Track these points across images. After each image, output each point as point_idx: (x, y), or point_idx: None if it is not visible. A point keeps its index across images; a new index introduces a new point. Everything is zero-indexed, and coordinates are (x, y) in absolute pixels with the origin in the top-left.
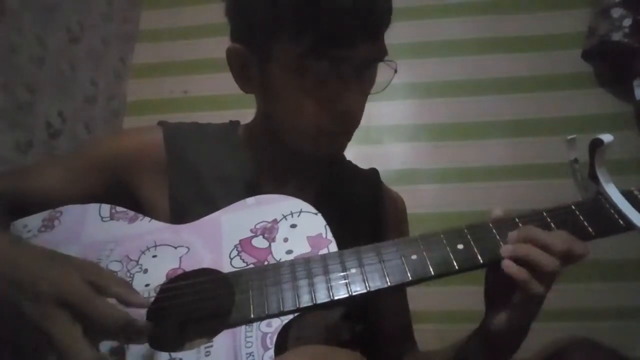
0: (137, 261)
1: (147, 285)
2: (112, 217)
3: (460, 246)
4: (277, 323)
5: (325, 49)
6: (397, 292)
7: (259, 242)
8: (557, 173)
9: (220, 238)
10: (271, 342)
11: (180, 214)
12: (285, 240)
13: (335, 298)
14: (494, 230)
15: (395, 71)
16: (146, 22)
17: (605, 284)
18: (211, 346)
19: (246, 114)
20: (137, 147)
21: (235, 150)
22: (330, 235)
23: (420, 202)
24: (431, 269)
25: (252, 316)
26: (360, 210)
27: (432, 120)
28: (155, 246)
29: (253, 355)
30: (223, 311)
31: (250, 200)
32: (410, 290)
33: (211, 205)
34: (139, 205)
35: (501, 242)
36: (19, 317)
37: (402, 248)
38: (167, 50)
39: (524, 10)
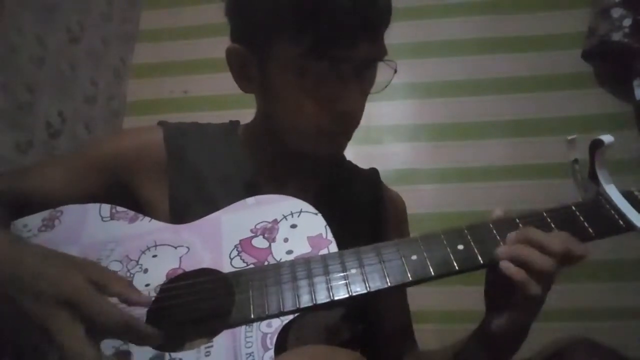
0: (137, 261)
1: (147, 285)
2: (112, 217)
3: (460, 247)
4: (277, 323)
5: (325, 49)
6: (397, 293)
7: (259, 242)
8: (557, 173)
9: (221, 238)
10: (271, 342)
11: (180, 213)
12: (286, 240)
13: (336, 298)
14: (495, 231)
15: (395, 71)
16: (146, 22)
17: (605, 284)
18: (211, 346)
19: (246, 114)
20: (137, 147)
21: (235, 150)
22: (330, 236)
23: (420, 202)
24: (431, 270)
25: (252, 316)
26: (360, 210)
27: (432, 120)
28: (156, 246)
29: (253, 356)
30: (223, 311)
31: (251, 200)
32: (410, 290)
33: (211, 205)
34: (139, 205)
35: (501, 243)
36: (19, 317)
37: (402, 248)
38: (167, 50)
39: (524, 10)
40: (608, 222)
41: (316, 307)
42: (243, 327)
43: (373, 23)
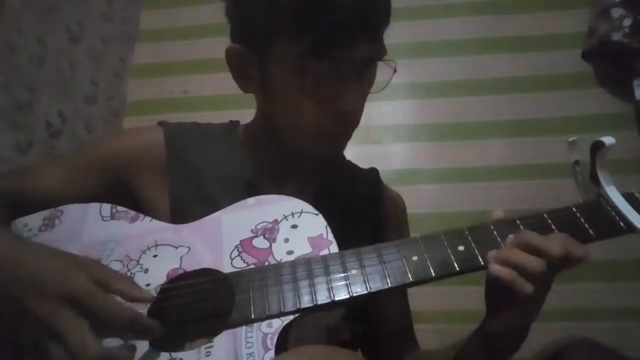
0: (138, 261)
1: (147, 285)
2: (112, 217)
3: (461, 247)
4: (278, 323)
5: (324, 48)
6: (397, 293)
7: (260, 243)
8: (557, 173)
9: (221, 238)
10: (272, 342)
11: (180, 213)
12: (286, 240)
13: (336, 299)
14: (495, 232)
15: (395, 71)
16: (146, 22)
17: (605, 284)
18: (211, 346)
19: (246, 114)
20: (138, 147)
21: (235, 150)
22: (331, 236)
23: (420, 202)
24: (432, 270)
25: (252, 316)
26: (360, 210)
27: (432, 120)
28: (156, 246)
29: (254, 356)
30: (223, 311)
31: (251, 200)
32: (410, 291)
33: (212, 205)
34: (139, 205)
35: (502, 244)
36: (21, 316)
37: (403, 249)
38: (167, 50)
39: (524, 10)
40: (609, 224)
41: (317, 308)
42: (243, 327)
43: (373, 23)
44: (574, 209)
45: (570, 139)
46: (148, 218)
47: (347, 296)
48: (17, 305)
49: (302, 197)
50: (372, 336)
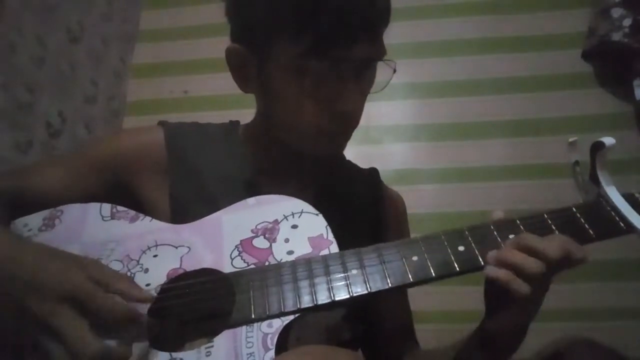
0: (138, 261)
1: (147, 285)
2: (113, 217)
3: (461, 248)
4: (278, 323)
5: (324, 48)
6: (398, 293)
7: (260, 243)
8: (557, 173)
9: (221, 238)
10: (272, 342)
11: (181, 213)
12: (286, 240)
13: (337, 299)
14: (495, 232)
15: (395, 71)
16: (146, 22)
17: (605, 284)
18: (212, 346)
19: (246, 114)
20: (138, 147)
21: (236, 150)
22: (331, 236)
23: (420, 202)
24: (432, 271)
25: (253, 316)
26: (360, 210)
27: (432, 120)
28: (156, 246)
29: (254, 356)
30: (224, 311)
31: (251, 200)
32: (410, 291)
33: (212, 205)
34: (139, 205)
35: (502, 244)
36: (22, 315)
37: (403, 249)
38: (167, 50)
39: (524, 10)
40: (609, 224)
41: (317, 308)
42: (244, 327)
43: (372, 23)
44: (574, 209)
45: (571, 139)
46: (148, 218)
47: (348, 296)
48: (17, 305)
49: (302, 197)
50: (372, 336)
